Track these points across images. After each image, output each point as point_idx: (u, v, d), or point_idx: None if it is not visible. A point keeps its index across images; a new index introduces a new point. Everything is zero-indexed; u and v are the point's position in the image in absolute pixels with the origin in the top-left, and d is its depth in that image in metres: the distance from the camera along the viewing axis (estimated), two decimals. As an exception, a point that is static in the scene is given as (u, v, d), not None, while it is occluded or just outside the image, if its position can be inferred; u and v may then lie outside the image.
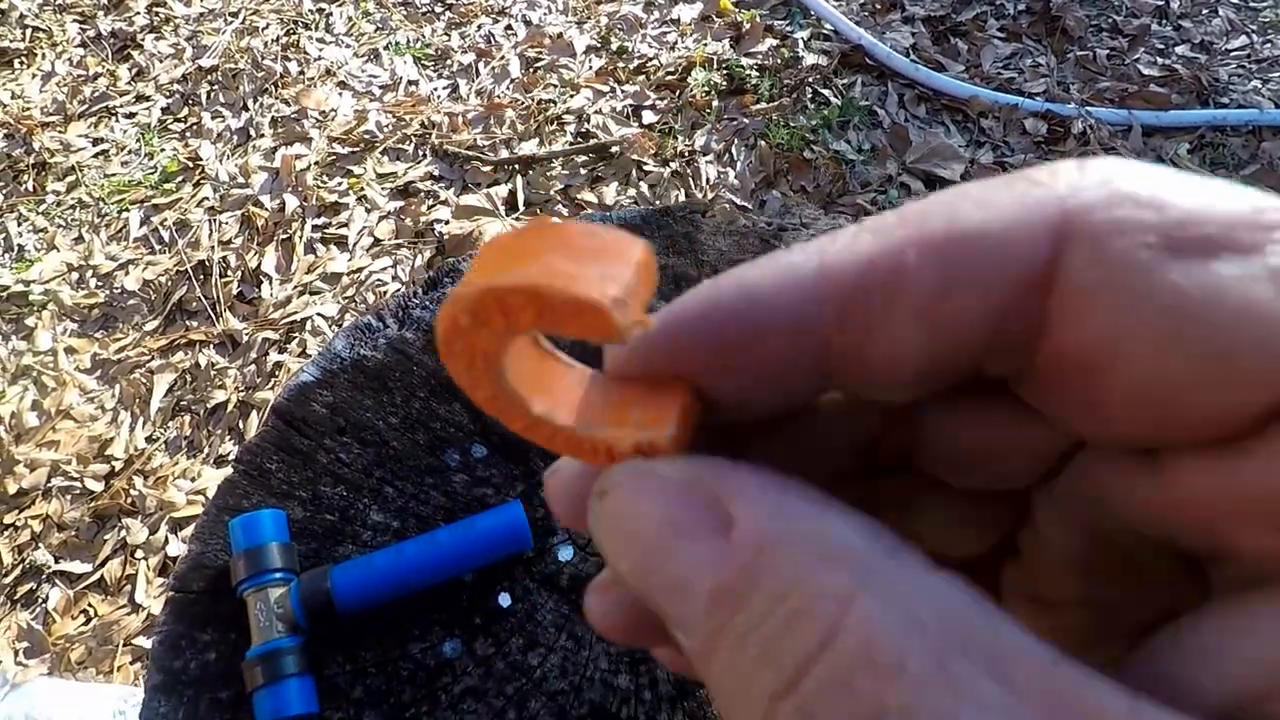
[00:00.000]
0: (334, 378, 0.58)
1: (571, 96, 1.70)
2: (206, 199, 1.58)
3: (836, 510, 0.13)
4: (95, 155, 1.69)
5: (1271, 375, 0.11)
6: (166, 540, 1.18)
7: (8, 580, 1.16)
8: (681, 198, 1.52)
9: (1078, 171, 0.13)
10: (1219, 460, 0.12)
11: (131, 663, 1.09)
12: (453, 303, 0.13)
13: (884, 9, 1.88)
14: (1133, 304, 0.12)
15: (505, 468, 0.55)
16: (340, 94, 1.76)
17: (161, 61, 1.85)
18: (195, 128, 1.72)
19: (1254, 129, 1.59)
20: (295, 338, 1.38)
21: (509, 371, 0.15)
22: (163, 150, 1.68)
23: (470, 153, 1.60)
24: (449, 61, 1.83)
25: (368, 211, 1.54)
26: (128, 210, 1.58)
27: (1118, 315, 0.12)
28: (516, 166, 1.58)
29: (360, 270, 1.46)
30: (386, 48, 1.86)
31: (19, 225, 1.58)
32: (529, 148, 1.61)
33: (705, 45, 1.79)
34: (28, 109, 1.76)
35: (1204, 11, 1.86)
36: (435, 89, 1.77)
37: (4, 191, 1.63)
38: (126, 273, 1.49)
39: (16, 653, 1.10)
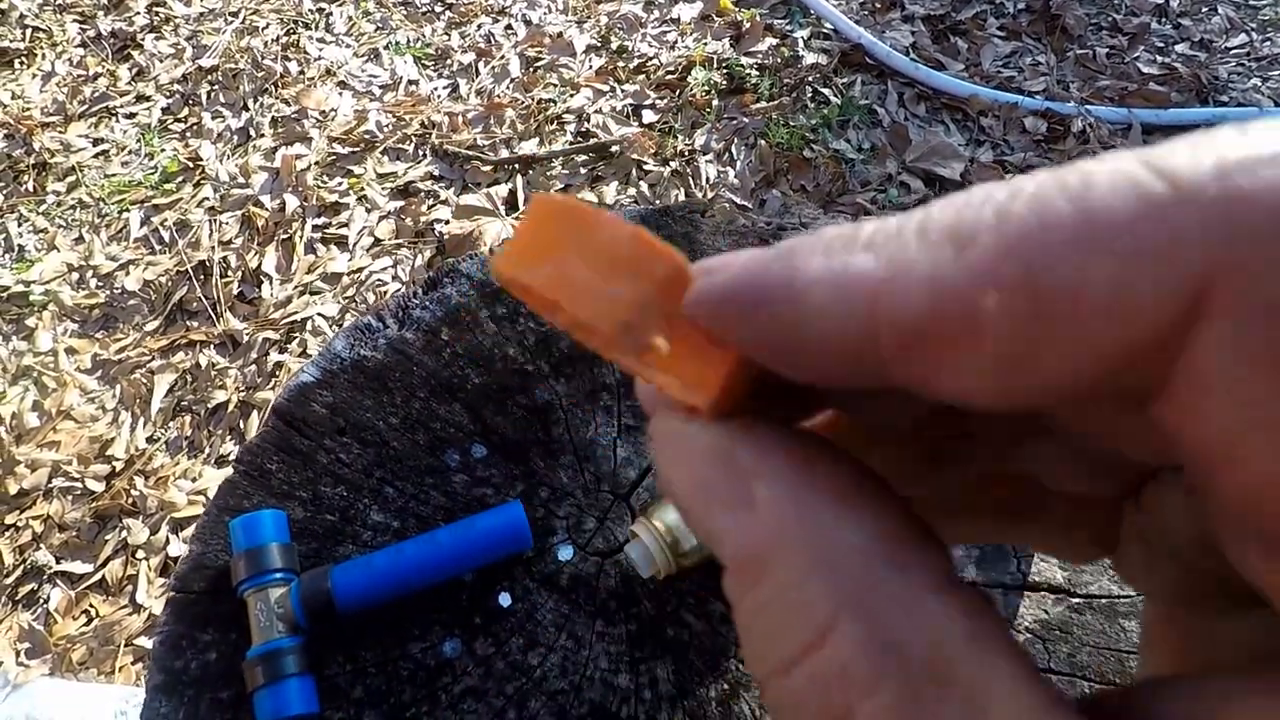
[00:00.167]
0: (334, 378, 0.58)
1: (571, 96, 1.70)
2: (207, 199, 1.58)
3: (853, 510, 0.12)
4: (95, 155, 1.69)
5: None
6: (168, 540, 1.18)
7: (9, 581, 1.16)
8: (681, 197, 1.52)
9: (1234, 155, 0.10)
10: None
11: (133, 663, 1.09)
12: (493, 268, 0.15)
13: (884, 8, 1.88)
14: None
15: (505, 468, 0.55)
16: (340, 94, 1.76)
17: (161, 61, 1.85)
18: (195, 128, 1.72)
19: (1254, 127, 1.58)
20: (296, 338, 1.38)
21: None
22: (163, 150, 1.68)
23: (470, 152, 1.60)
24: (449, 61, 1.83)
25: (368, 211, 1.54)
26: (128, 210, 1.58)
27: (1255, 429, 0.10)
28: (516, 166, 1.58)
29: (360, 270, 1.46)
30: (386, 47, 1.86)
31: (19, 225, 1.58)
32: (529, 147, 1.61)
33: (705, 44, 1.79)
34: (28, 109, 1.76)
35: (1203, 10, 1.86)
36: (435, 89, 1.77)
37: (4, 192, 1.63)
38: (127, 273, 1.49)
39: (18, 653, 1.10)
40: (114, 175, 1.65)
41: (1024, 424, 0.16)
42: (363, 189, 1.57)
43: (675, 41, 1.82)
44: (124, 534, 1.19)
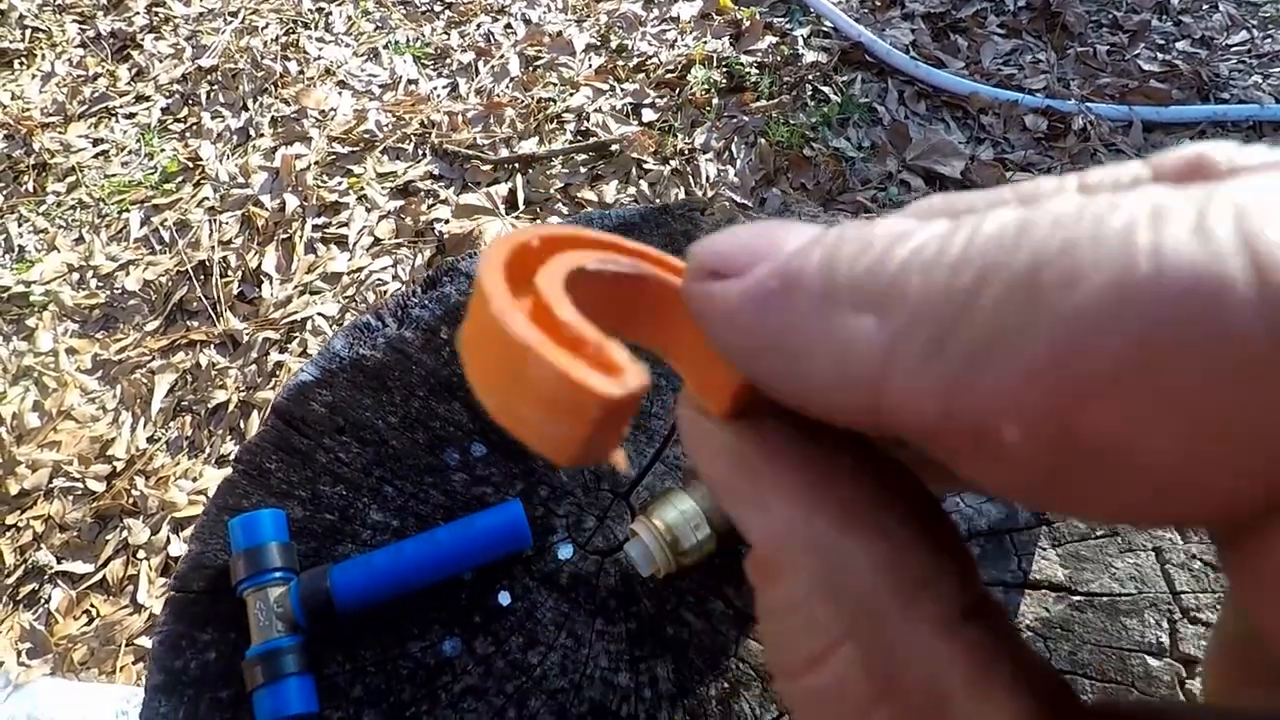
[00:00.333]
0: (333, 377, 0.58)
1: (571, 95, 1.70)
2: (207, 199, 1.58)
3: (864, 529, 0.12)
4: (95, 156, 1.69)
5: None
6: (168, 540, 1.18)
7: (10, 581, 1.16)
8: (681, 196, 1.52)
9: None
10: None
11: (134, 663, 1.09)
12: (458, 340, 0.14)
13: (884, 6, 1.88)
14: None
15: (504, 466, 0.55)
16: (340, 93, 1.76)
17: (161, 61, 1.85)
18: (195, 128, 1.72)
19: (1254, 124, 1.58)
20: (296, 337, 1.38)
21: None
22: (163, 150, 1.68)
23: (470, 151, 1.60)
24: (448, 60, 1.83)
25: (368, 211, 1.54)
26: (128, 210, 1.58)
27: None
28: (516, 165, 1.58)
29: (360, 270, 1.46)
30: (386, 47, 1.86)
31: (19, 226, 1.58)
32: (529, 146, 1.60)
33: (705, 43, 1.79)
34: (28, 110, 1.76)
35: (1204, 7, 1.85)
36: (435, 88, 1.77)
37: (4, 192, 1.63)
38: (127, 273, 1.49)
39: (19, 653, 1.10)
40: (114, 175, 1.65)
41: None
42: (362, 188, 1.57)
43: (675, 40, 1.81)
44: (125, 534, 1.19)
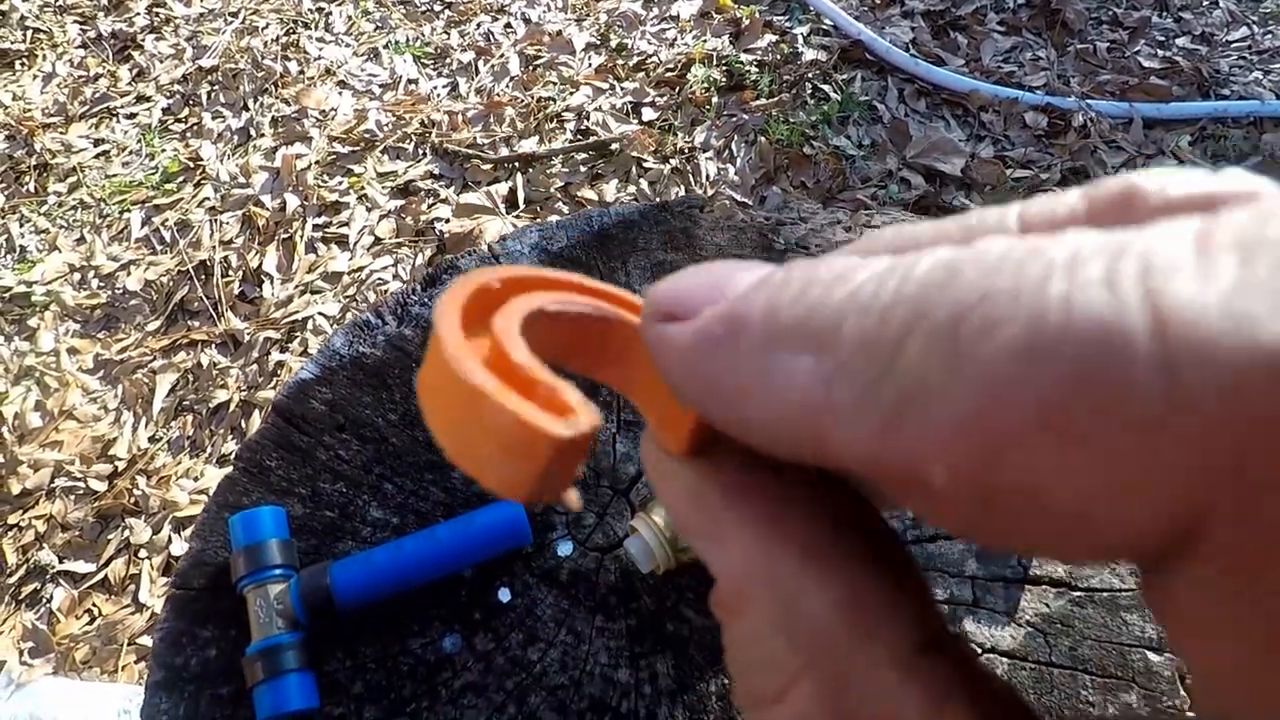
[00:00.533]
0: (333, 375, 0.58)
1: (571, 94, 1.70)
2: (207, 199, 1.58)
3: (823, 567, 0.12)
4: (96, 156, 1.69)
5: None
6: (170, 540, 1.18)
7: (12, 580, 1.16)
8: (682, 194, 1.52)
9: (1261, 341, 0.08)
10: None
11: (136, 662, 1.09)
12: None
13: (883, 3, 1.87)
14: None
15: (504, 463, 0.55)
16: (340, 93, 1.76)
17: (162, 62, 1.85)
18: (196, 128, 1.72)
19: (1255, 120, 1.58)
20: (297, 337, 1.39)
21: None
22: (163, 151, 1.69)
23: (470, 151, 1.60)
24: (448, 60, 1.83)
25: (368, 210, 1.54)
26: (129, 211, 1.58)
27: (1241, 681, 0.09)
28: (516, 164, 1.58)
29: (361, 269, 1.46)
30: (386, 46, 1.86)
31: (21, 226, 1.58)
32: (529, 145, 1.60)
33: (704, 41, 1.79)
34: (29, 110, 1.76)
35: (1204, 3, 1.85)
36: (435, 87, 1.77)
37: (6, 193, 1.64)
38: (128, 273, 1.49)
39: (21, 653, 1.10)
40: (115, 176, 1.65)
41: None
42: (363, 188, 1.57)
43: (674, 39, 1.81)
44: (126, 533, 1.19)
